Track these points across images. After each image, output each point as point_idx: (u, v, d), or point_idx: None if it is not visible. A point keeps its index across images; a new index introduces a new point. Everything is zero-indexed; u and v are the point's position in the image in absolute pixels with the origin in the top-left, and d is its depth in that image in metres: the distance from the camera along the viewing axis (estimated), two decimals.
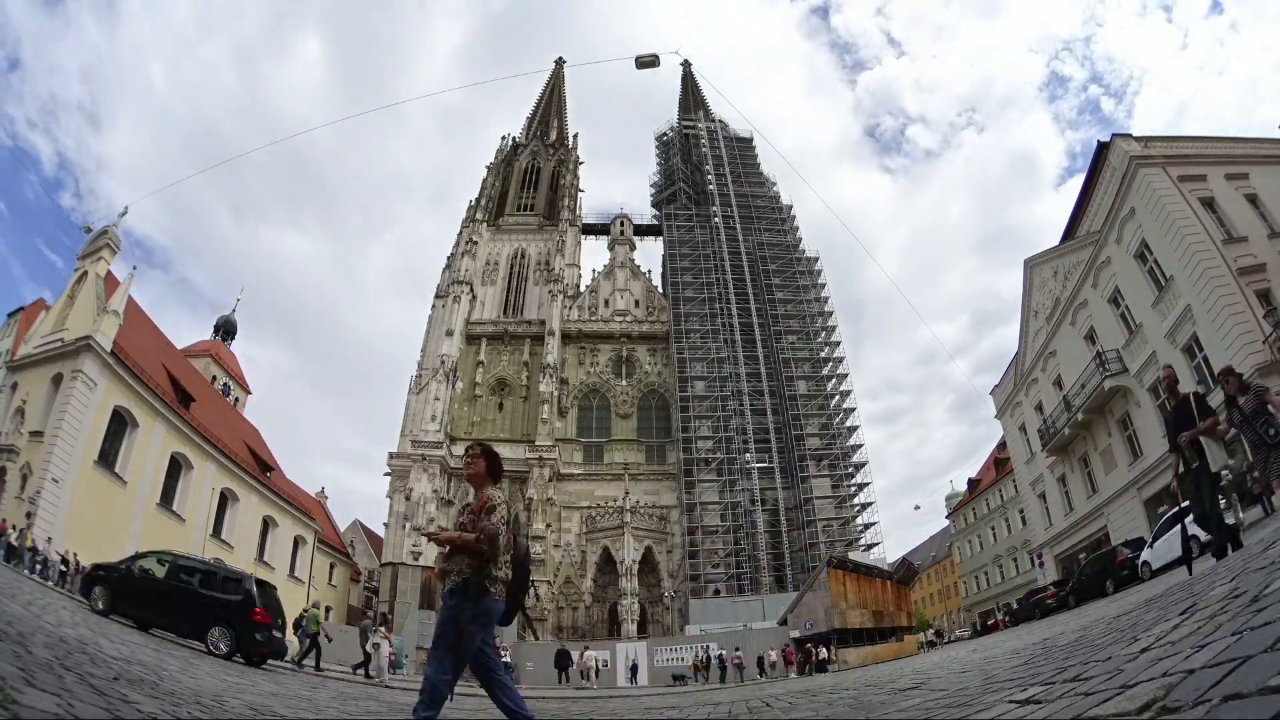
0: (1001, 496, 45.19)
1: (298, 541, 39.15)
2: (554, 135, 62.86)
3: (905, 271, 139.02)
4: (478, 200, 55.12)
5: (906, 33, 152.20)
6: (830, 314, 48.35)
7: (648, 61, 24.95)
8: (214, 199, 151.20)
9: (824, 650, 23.89)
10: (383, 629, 15.82)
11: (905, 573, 38.29)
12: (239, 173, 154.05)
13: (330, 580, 44.29)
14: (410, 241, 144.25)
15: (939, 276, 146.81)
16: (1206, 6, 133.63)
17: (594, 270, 53.79)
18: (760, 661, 25.80)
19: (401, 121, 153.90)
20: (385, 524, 41.21)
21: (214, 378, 48.70)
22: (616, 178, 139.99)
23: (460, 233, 52.82)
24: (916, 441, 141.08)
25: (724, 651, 26.55)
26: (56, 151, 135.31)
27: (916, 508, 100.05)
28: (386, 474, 41.49)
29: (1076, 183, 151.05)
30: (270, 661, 12.23)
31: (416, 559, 38.35)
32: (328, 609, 17.89)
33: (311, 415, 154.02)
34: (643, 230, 56.90)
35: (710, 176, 54.33)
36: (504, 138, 62.07)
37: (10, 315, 36.60)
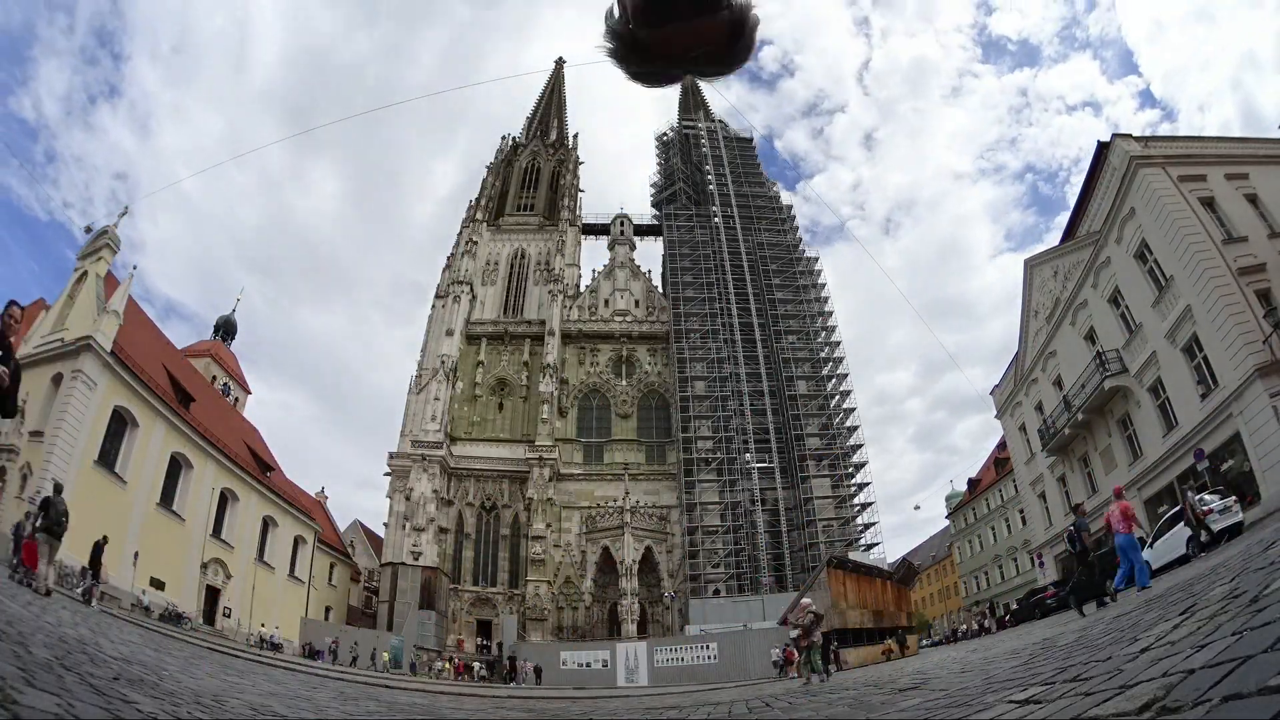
0: (1001, 496, 45.17)
1: (298, 541, 39.16)
2: (554, 135, 62.83)
3: (853, 332, 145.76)
4: (478, 200, 55.11)
5: (844, 150, 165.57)
6: (830, 314, 48.34)
7: None
8: (252, 287, 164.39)
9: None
10: None
11: (905, 573, 38.26)
12: (278, 276, 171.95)
13: (330, 580, 44.32)
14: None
15: (884, 335, 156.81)
16: (1135, 103, 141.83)
17: (594, 270, 53.80)
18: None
19: (407, 241, 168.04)
20: (385, 524, 41.21)
21: (214, 378, 48.71)
22: (616, 178, 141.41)
23: (460, 233, 52.82)
24: (883, 466, 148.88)
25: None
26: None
27: (916, 508, 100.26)
28: (386, 474, 41.50)
29: (1012, 258, 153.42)
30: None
31: (416, 559, 38.36)
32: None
33: (323, 445, 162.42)
34: (643, 230, 56.86)
35: (710, 176, 54.31)
36: (504, 137, 62.05)
37: None
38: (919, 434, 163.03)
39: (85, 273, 28.21)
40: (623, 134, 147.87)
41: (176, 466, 29.54)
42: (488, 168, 58.68)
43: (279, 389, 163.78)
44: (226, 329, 58.33)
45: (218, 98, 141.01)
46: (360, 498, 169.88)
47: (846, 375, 46.09)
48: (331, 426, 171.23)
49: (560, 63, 69.95)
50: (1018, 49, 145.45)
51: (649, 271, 53.47)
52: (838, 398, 45.61)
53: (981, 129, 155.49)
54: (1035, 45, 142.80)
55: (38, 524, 10.77)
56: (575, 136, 62.33)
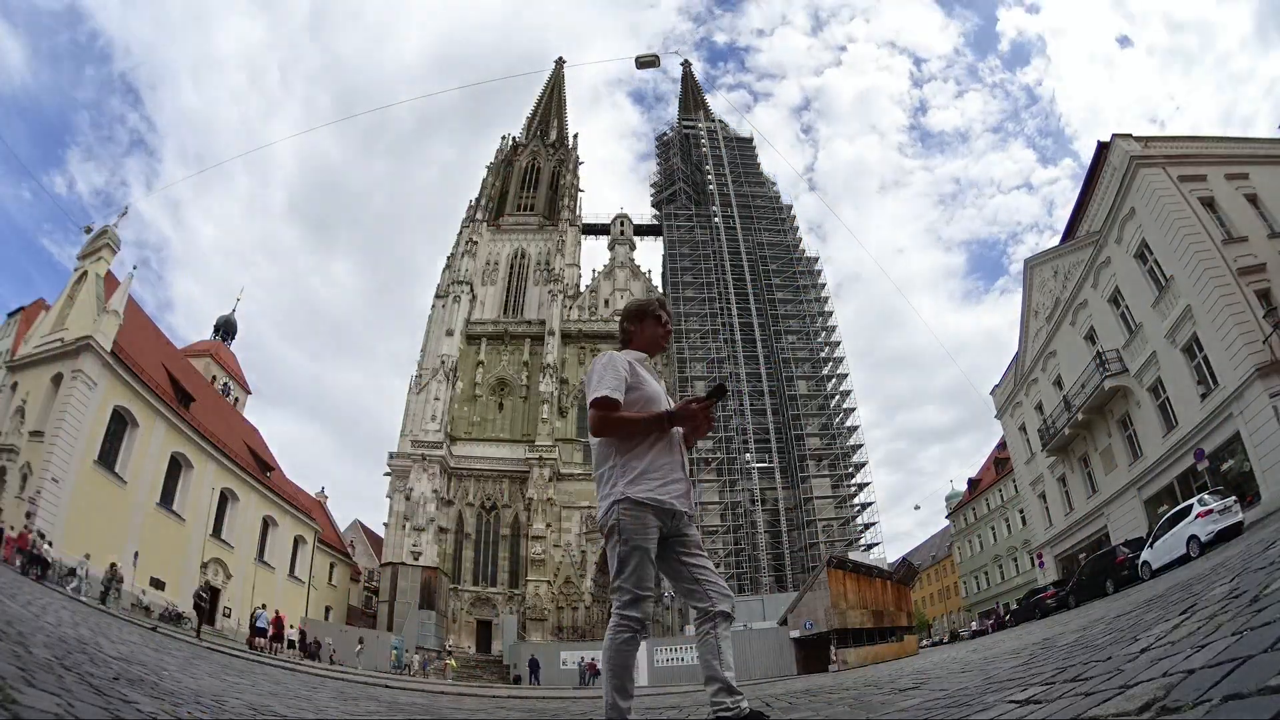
0: (1001, 496, 45.17)
1: (298, 541, 39.14)
2: (554, 135, 62.82)
3: None
4: (478, 200, 55.10)
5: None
6: (830, 314, 48.36)
7: (648, 61, 24.97)
8: (283, 345, 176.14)
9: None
10: None
11: (905, 573, 38.22)
12: (303, 338, 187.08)
13: (330, 580, 44.30)
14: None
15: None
16: (1072, 184, 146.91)
17: (594, 270, 53.85)
18: None
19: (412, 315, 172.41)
20: (385, 524, 41.21)
21: (214, 378, 48.68)
22: (616, 178, 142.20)
23: (460, 233, 52.83)
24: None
25: None
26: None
27: (916, 508, 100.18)
28: (387, 474, 41.51)
29: (954, 317, 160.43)
30: None
31: (416, 559, 38.37)
32: None
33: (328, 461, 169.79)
34: (643, 230, 56.86)
35: (710, 176, 54.35)
36: (504, 138, 62.04)
37: (10, 315, 36.58)
38: (888, 457, 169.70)
39: (85, 273, 28.20)
40: (623, 134, 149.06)
41: (176, 466, 29.52)
42: (488, 168, 58.67)
43: (291, 421, 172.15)
44: (226, 329, 58.23)
45: (246, 205, 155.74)
46: (367, 516, 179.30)
47: (847, 375, 46.13)
48: (345, 454, 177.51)
49: (560, 63, 69.96)
50: (954, 140, 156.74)
51: (649, 271, 53.51)
52: (838, 398, 45.63)
53: (920, 212, 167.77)
54: (971, 138, 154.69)
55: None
56: (575, 136, 62.36)
